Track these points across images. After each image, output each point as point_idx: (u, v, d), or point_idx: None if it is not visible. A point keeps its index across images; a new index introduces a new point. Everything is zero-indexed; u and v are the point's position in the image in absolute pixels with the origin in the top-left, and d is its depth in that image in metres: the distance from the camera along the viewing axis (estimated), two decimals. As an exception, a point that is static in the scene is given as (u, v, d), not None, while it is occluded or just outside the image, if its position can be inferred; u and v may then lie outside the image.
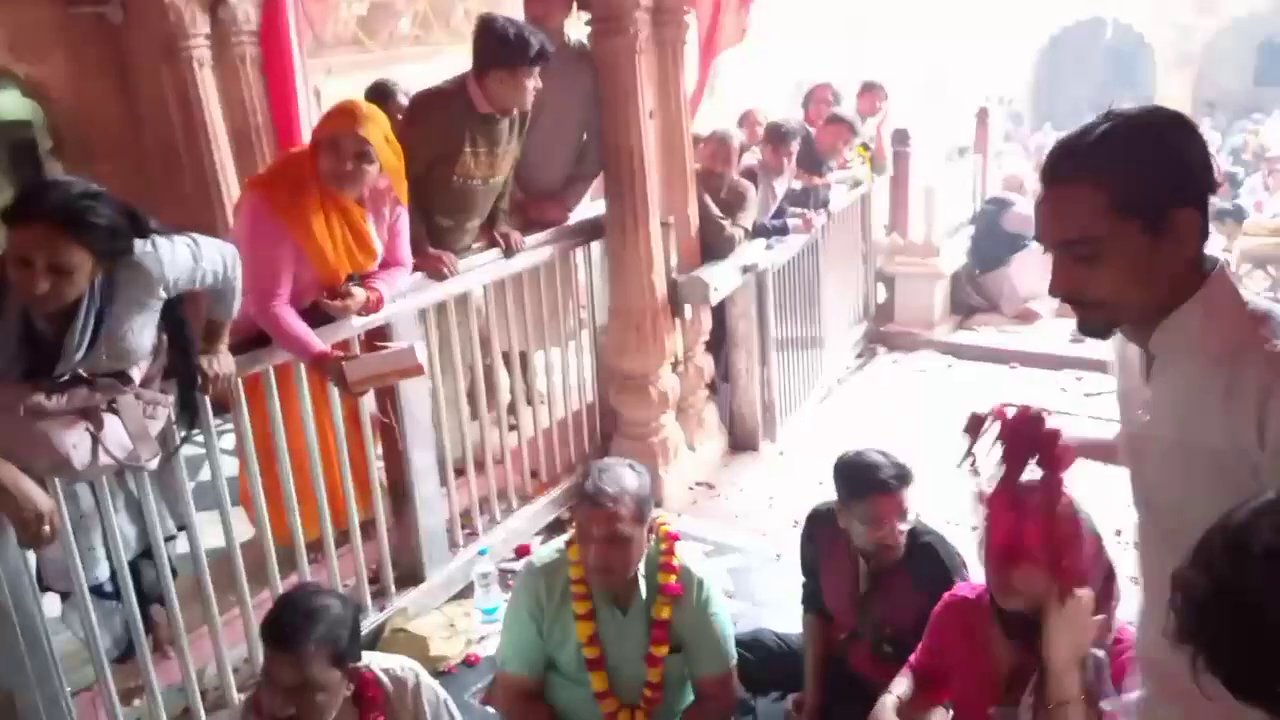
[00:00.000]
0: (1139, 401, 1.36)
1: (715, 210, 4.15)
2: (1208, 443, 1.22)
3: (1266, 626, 0.82)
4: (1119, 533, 3.74)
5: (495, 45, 3.07)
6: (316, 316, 2.76)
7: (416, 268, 3.12)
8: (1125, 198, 1.18)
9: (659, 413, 3.99)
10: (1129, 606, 3.21)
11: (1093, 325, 1.31)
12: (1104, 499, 3.99)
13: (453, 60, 3.31)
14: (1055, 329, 6.24)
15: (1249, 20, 17.52)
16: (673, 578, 2.32)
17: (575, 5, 3.53)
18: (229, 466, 2.86)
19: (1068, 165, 1.22)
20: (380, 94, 4.00)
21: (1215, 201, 8.88)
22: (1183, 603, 0.88)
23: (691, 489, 4.16)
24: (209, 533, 2.68)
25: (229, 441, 3.34)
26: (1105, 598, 1.95)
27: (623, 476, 2.23)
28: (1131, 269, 1.21)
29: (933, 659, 2.24)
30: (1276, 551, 0.83)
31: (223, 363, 2.47)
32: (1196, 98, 18.12)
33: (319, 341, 2.69)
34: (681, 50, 3.75)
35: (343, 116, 2.72)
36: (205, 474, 2.80)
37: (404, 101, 3.98)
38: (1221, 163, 11.49)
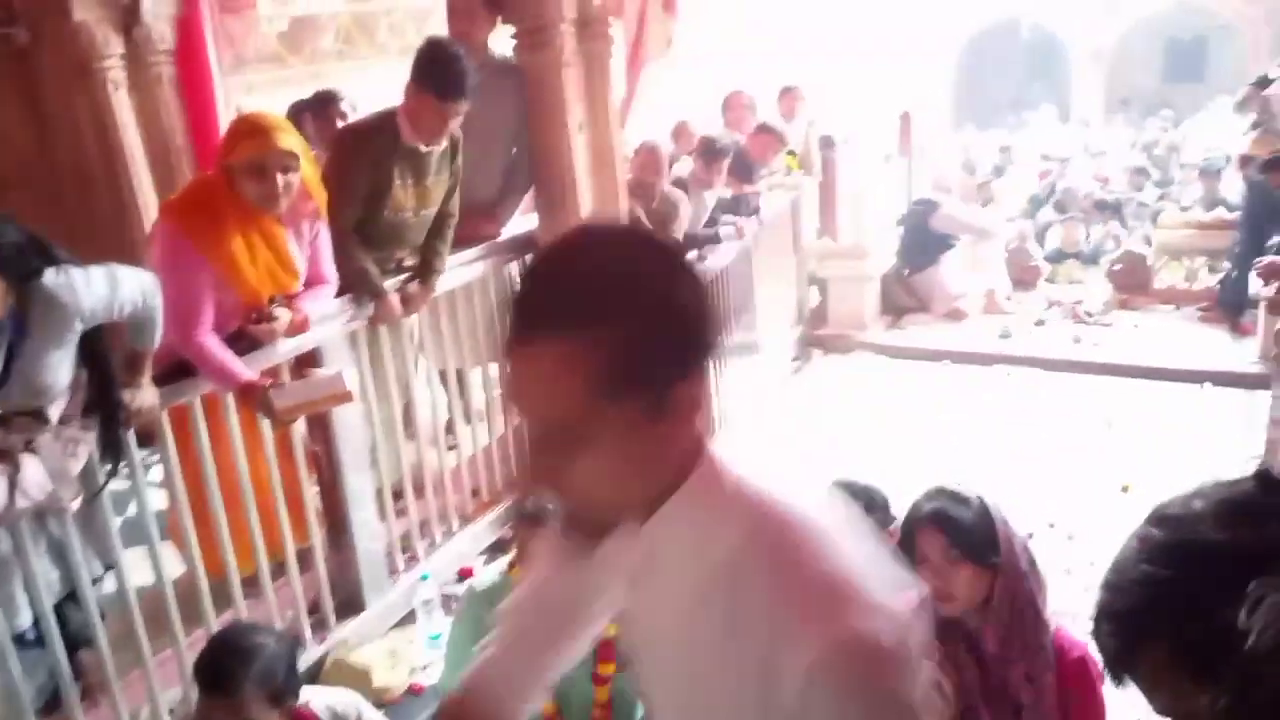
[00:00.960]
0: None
1: (646, 222, 4.16)
2: (706, 668, 0.95)
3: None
4: (1052, 525, 3.84)
5: (430, 69, 3.03)
6: (243, 343, 2.69)
7: (375, 319, 3.10)
8: (614, 375, 0.84)
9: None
10: (1063, 599, 3.29)
11: (590, 526, 0.95)
12: (1035, 493, 4.08)
13: (378, 74, 3.26)
14: (985, 326, 6.38)
15: (1155, 19, 18.16)
16: (618, 595, 2.30)
17: (500, 20, 3.50)
18: (157, 500, 2.77)
19: (541, 315, 0.86)
20: (323, 101, 3.95)
21: (1118, 196, 9.17)
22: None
23: (634, 501, 4.14)
24: (138, 570, 2.59)
25: (157, 474, 3.23)
26: (1031, 594, 1.99)
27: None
28: (622, 458, 0.89)
29: None
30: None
31: (146, 395, 2.40)
32: (1110, 95, 18.73)
33: (245, 370, 2.63)
34: (608, 62, 3.75)
35: (259, 136, 2.61)
36: (133, 509, 2.71)
37: (346, 110, 3.94)
38: (1134, 159, 11.88)
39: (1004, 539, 1.96)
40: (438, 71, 3.01)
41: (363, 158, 3.08)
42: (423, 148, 3.13)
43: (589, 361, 0.83)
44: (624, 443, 0.87)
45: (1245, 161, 5.75)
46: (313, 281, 2.91)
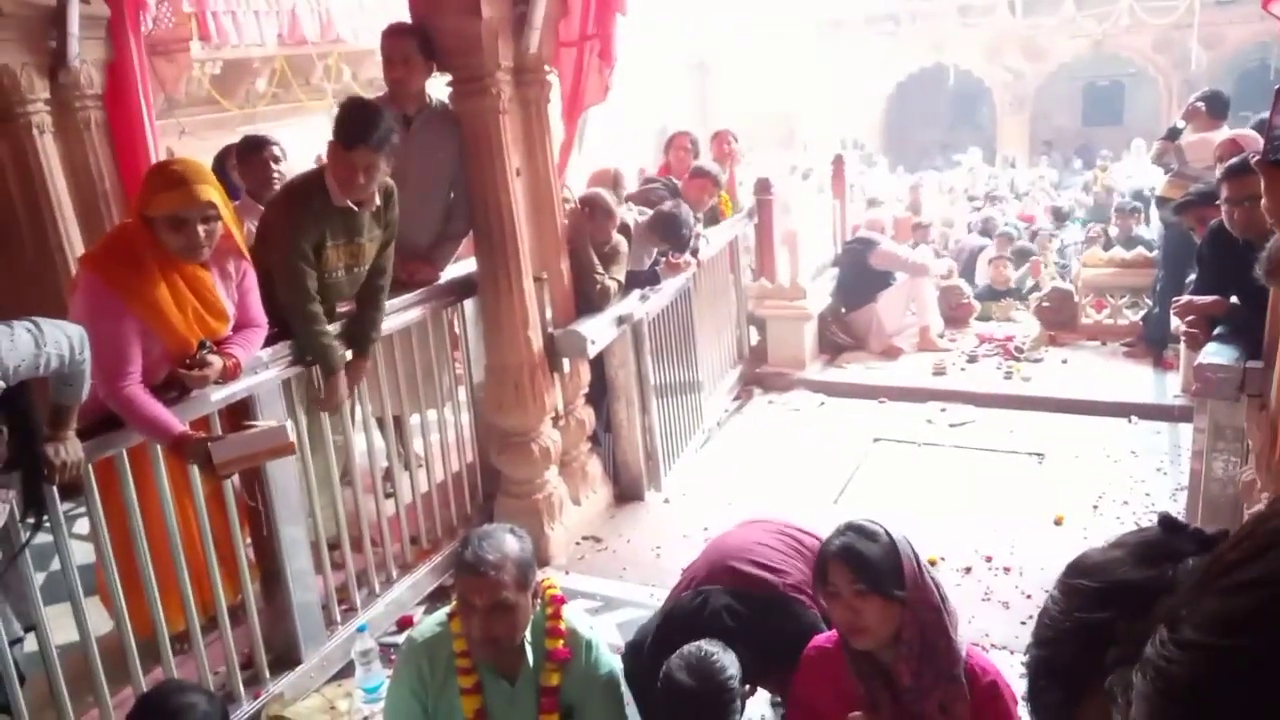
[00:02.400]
0: None
1: (597, 264, 4.16)
2: None
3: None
4: (988, 559, 3.89)
5: (338, 122, 3.05)
6: (172, 393, 2.63)
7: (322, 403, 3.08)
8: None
9: (542, 469, 3.95)
10: (1001, 632, 3.34)
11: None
12: (972, 526, 4.13)
13: (311, 119, 3.24)
14: (919, 363, 6.50)
15: (1074, 64, 18.89)
16: (560, 642, 2.29)
17: (436, 67, 3.51)
18: (82, 554, 2.68)
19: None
20: (253, 146, 3.92)
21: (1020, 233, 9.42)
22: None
23: (578, 544, 4.12)
24: (61, 628, 2.50)
25: (82, 526, 3.13)
26: (944, 625, 2.03)
27: (504, 543, 2.20)
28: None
29: (805, 715, 2.26)
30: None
31: (70, 449, 2.33)
32: (1034, 137, 19.38)
33: (178, 422, 2.57)
34: (545, 108, 3.77)
35: (178, 189, 2.55)
36: (56, 564, 2.62)
37: (278, 154, 3.91)
38: (1059, 199, 12.28)
39: (911, 572, 2.01)
40: (343, 123, 3.03)
41: (306, 216, 3.05)
42: (354, 207, 3.10)
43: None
44: None
45: (1162, 203, 5.97)
46: (242, 325, 2.85)
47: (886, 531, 2.07)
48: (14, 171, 4.34)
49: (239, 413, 2.84)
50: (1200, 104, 5.78)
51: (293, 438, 2.70)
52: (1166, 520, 0.94)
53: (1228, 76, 17.45)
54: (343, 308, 3.29)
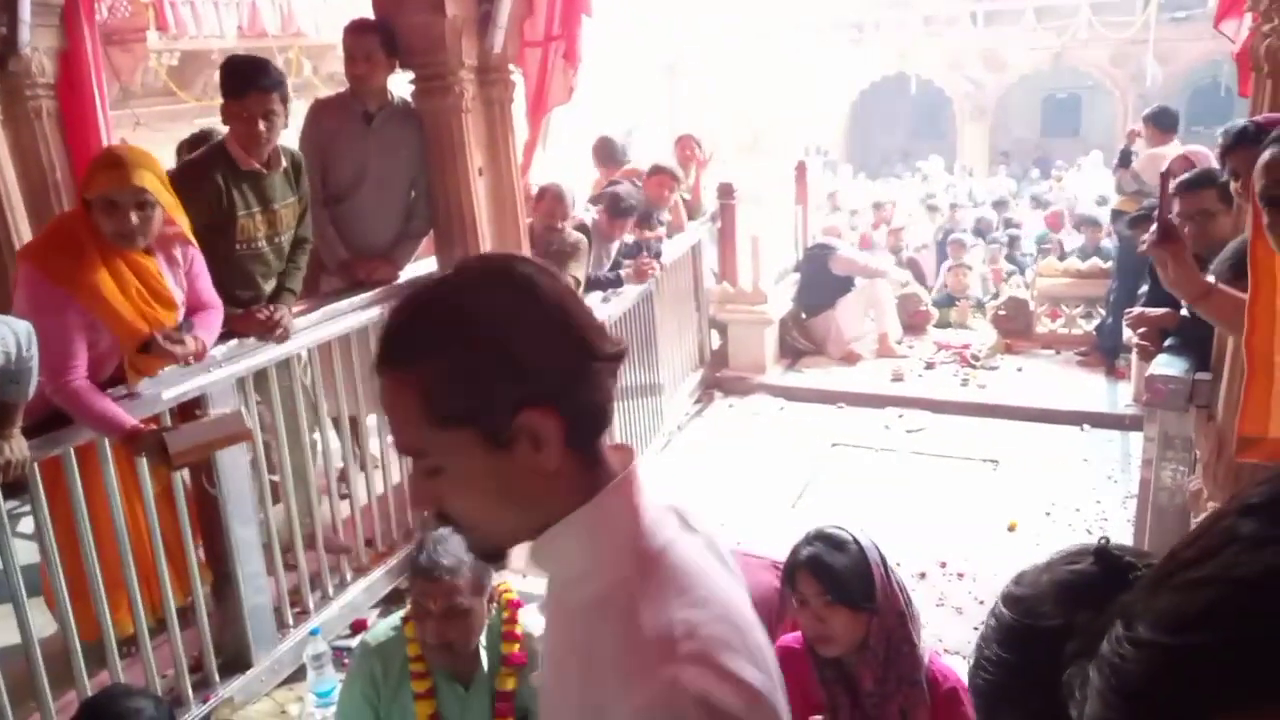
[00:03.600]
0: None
1: (547, 261, 4.15)
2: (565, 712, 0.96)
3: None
4: (943, 564, 3.94)
5: (224, 80, 3.01)
6: (119, 388, 2.58)
7: (238, 330, 2.97)
8: (445, 405, 0.87)
9: (498, 471, 3.92)
10: (954, 638, 3.37)
11: (482, 548, 1.00)
12: (927, 531, 4.17)
13: None
14: (878, 369, 6.56)
15: (1034, 76, 19.20)
16: (516, 646, 2.27)
17: (399, 64, 3.48)
18: (26, 553, 2.61)
19: (386, 351, 0.91)
20: (201, 139, 3.85)
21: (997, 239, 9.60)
22: None
23: (534, 547, 4.09)
24: (3, 630, 2.43)
25: (26, 525, 3.05)
26: (908, 632, 2.04)
27: (459, 547, 2.18)
28: (482, 487, 0.91)
29: None
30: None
31: (15, 448, 2.27)
32: (993, 147, 19.67)
33: (128, 416, 2.51)
34: (509, 107, 3.75)
35: (111, 170, 2.52)
36: (-1, 563, 2.55)
37: None
38: (1013, 209, 12.46)
39: (880, 582, 2.02)
40: (231, 74, 3.00)
41: (200, 193, 2.96)
42: (262, 170, 3.06)
43: (419, 391, 0.87)
44: (472, 472, 0.90)
45: (1116, 216, 6.09)
46: (196, 308, 2.81)
47: (855, 539, 2.06)
48: (-39, 159, 4.23)
49: (190, 412, 2.79)
50: (1149, 120, 5.90)
51: (250, 424, 2.65)
52: (1106, 556, 0.89)
53: (1182, 92, 17.85)
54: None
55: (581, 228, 4.60)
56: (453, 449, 0.89)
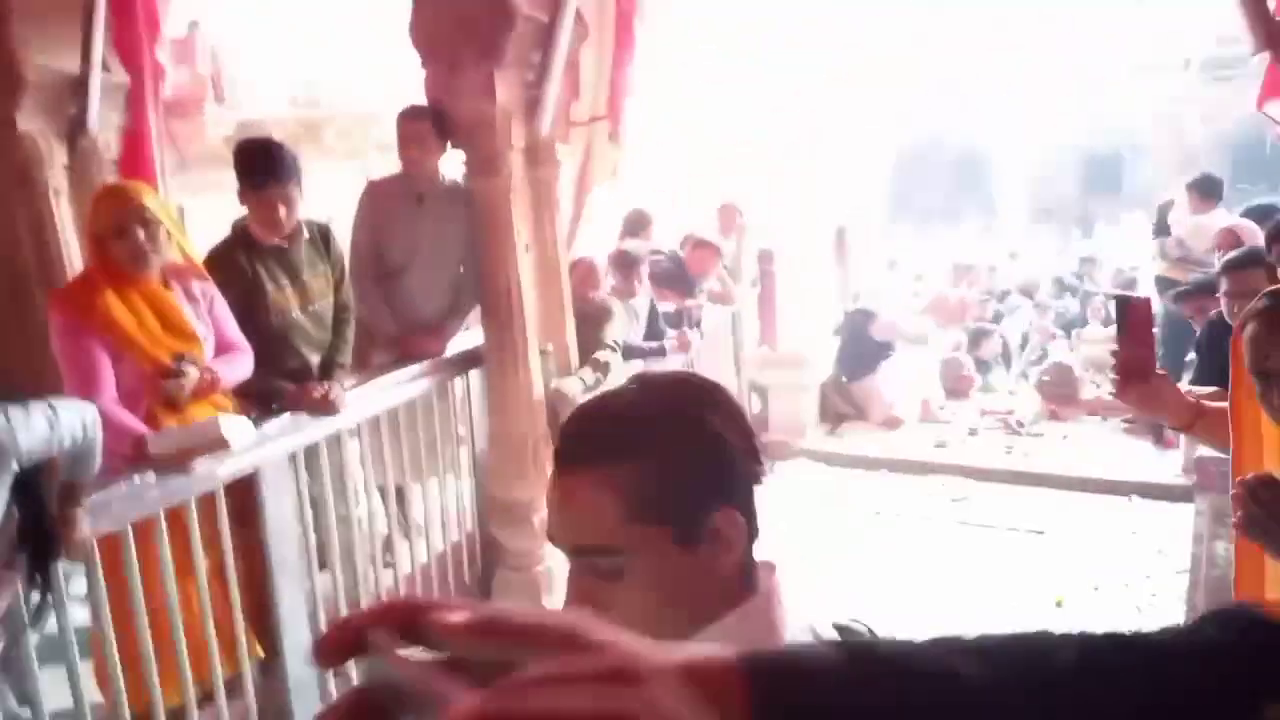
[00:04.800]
0: None
1: (580, 329, 4.20)
2: None
3: None
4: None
5: (238, 169, 3.11)
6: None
7: (292, 407, 3.04)
8: (648, 502, 0.89)
9: (542, 542, 3.94)
10: None
11: None
12: (970, 605, 4.08)
13: (322, 179, 3.30)
14: (920, 435, 6.52)
15: (1074, 136, 19.17)
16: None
17: (450, 146, 3.58)
18: (79, 615, 2.66)
19: (584, 448, 0.92)
20: None
21: (1046, 303, 9.52)
22: None
23: (575, 619, 4.09)
24: (56, 693, 2.48)
25: (78, 586, 3.11)
26: None
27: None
28: (659, 587, 0.90)
29: None
30: None
31: (80, 528, 2.33)
32: (1034, 206, 19.60)
33: (141, 425, 2.61)
34: (555, 186, 3.85)
35: (110, 198, 2.72)
36: (52, 624, 2.60)
37: None
38: (1061, 269, 12.38)
39: None
40: (245, 166, 3.10)
41: (227, 273, 3.09)
42: (284, 245, 3.16)
43: (621, 488, 0.88)
44: (660, 571, 0.90)
45: (1162, 284, 6.04)
46: (224, 349, 2.92)
47: (870, 632, 2.04)
48: (29, 234, 4.39)
49: (244, 489, 2.85)
50: (1193, 188, 5.88)
51: (228, 435, 2.64)
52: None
53: (1225, 151, 17.71)
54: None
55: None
56: (644, 547, 0.89)
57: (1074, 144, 19.50)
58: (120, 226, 2.65)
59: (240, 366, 2.93)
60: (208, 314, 2.88)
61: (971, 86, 18.11)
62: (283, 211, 3.09)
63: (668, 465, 0.90)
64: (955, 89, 18.00)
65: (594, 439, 0.92)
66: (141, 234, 2.65)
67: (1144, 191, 17.41)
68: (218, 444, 2.65)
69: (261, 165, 3.07)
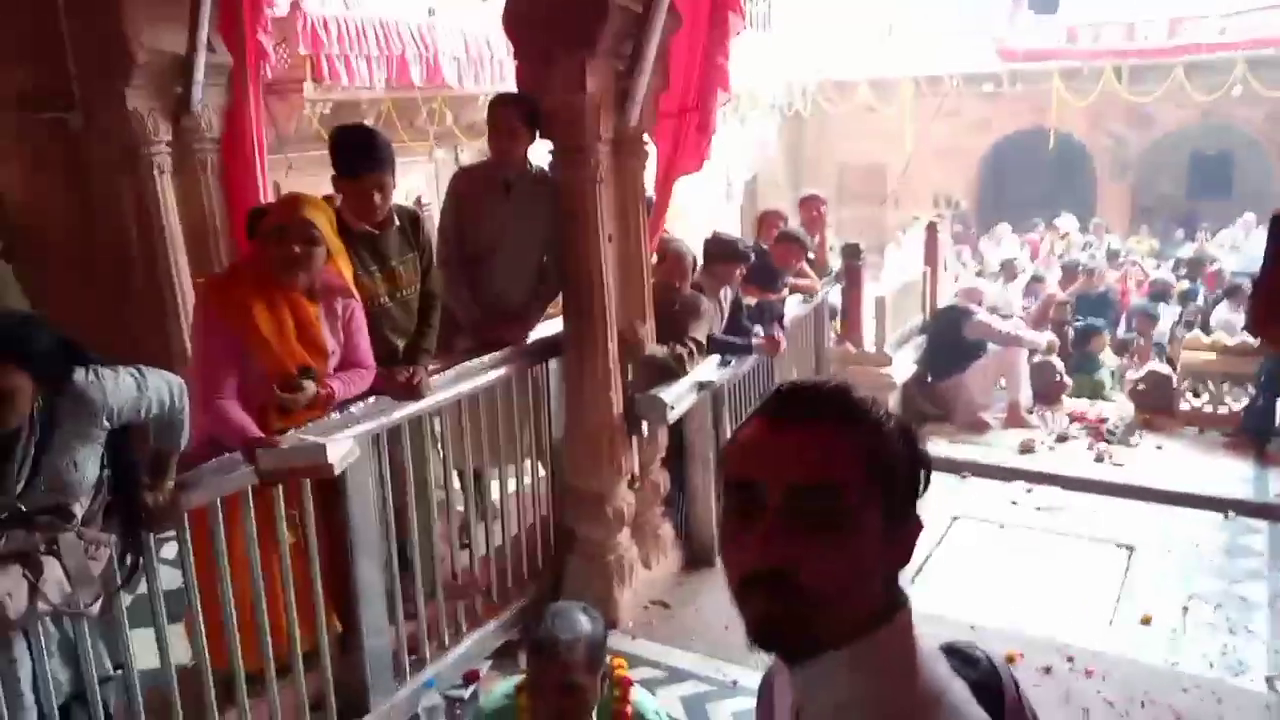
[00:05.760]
0: None
1: (667, 322, 4.16)
2: None
3: None
4: (1070, 660, 3.73)
5: (334, 156, 3.12)
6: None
7: (381, 389, 3.09)
8: (880, 463, 0.93)
9: (615, 531, 3.95)
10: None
11: (788, 629, 0.93)
12: (1052, 619, 3.91)
13: (414, 160, 3.32)
14: (1005, 440, 6.35)
15: (1181, 133, 18.38)
16: (626, 725, 2.28)
17: (538, 135, 3.59)
18: (168, 579, 2.76)
19: (819, 407, 0.96)
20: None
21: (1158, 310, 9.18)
22: None
23: (646, 608, 4.10)
24: (143, 653, 2.57)
25: (169, 550, 3.22)
26: None
27: (577, 622, 2.21)
28: (861, 551, 0.92)
29: None
30: None
31: (169, 497, 2.41)
32: (1135, 205, 18.87)
33: (256, 429, 2.65)
34: (641, 177, 3.83)
35: (286, 206, 2.82)
36: (143, 587, 2.70)
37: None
38: (1161, 273, 11.89)
39: (1011, 706, 1.92)
40: (342, 155, 3.12)
41: None
42: (374, 231, 3.19)
43: (864, 445, 0.93)
44: (869, 536, 0.92)
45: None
46: (348, 365, 2.97)
47: (988, 658, 1.98)
48: (133, 208, 4.56)
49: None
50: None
51: (334, 459, 2.65)
52: None
53: (1347, 151, 16.78)
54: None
55: (695, 287, 4.61)
56: (868, 504, 0.92)
57: (1180, 142, 18.70)
58: (282, 234, 2.74)
59: (358, 384, 2.99)
60: (342, 330, 2.94)
61: (1073, 80, 17.48)
62: (378, 199, 3.13)
63: (899, 446, 0.95)
64: (1053, 81, 17.41)
65: (838, 400, 0.96)
66: (299, 248, 2.72)
67: (1254, 195, 16.63)
68: (323, 470, 2.68)
69: (358, 153, 3.11)
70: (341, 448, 2.73)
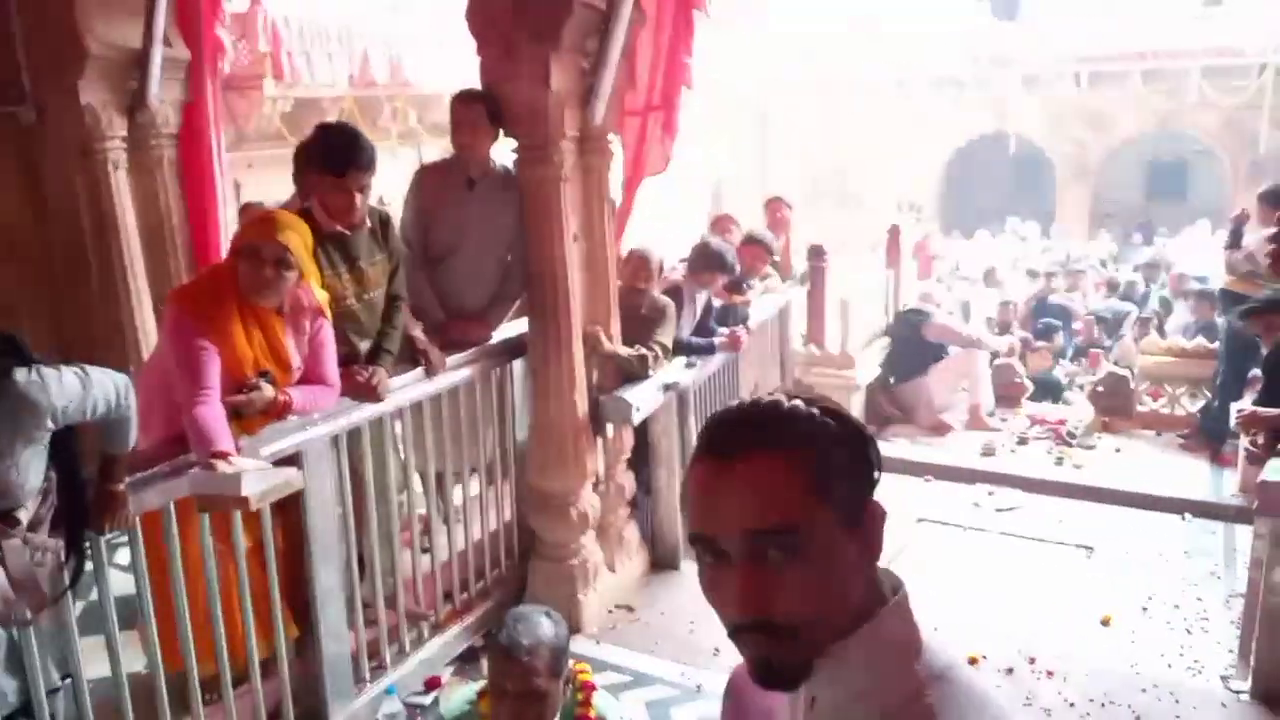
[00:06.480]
0: None
1: (633, 325, 4.14)
2: None
3: None
4: (1031, 660, 3.75)
5: (323, 152, 3.06)
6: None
7: (344, 392, 3.04)
8: (822, 479, 0.94)
9: (579, 533, 3.92)
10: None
11: (783, 667, 0.95)
12: (1014, 621, 3.92)
13: (380, 159, 3.24)
14: (968, 442, 6.39)
15: (1139, 140, 18.71)
16: (589, 730, 2.25)
17: (501, 133, 3.55)
18: (120, 584, 2.69)
19: (749, 437, 0.95)
20: None
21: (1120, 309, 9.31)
22: None
23: (611, 612, 4.07)
24: (94, 661, 2.50)
25: (123, 556, 3.14)
26: None
27: (539, 626, 2.18)
28: (830, 568, 0.94)
29: None
30: None
31: (119, 500, 2.35)
32: (1094, 210, 19.18)
33: (221, 443, 2.54)
34: (606, 176, 3.80)
35: (261, 224, 2.77)
36: (94, 594, 2.62)
37: None
38: (1118, 274, 12.08)
39: None
40: (329, 152, 3.05)
41: None
42: (345, 231, 3.13)
43: (800, 469, 0.93)
44: (830, 549, 0.93)
45: (1228, 297, 5.85)
46: (311, 381, 2.91)
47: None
48: (88, 205, 4.45)
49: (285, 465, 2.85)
50: (1264, 199, 5.67)
51: (249, 493, 2.46)
52: None
53: (1297, 160, 17.16)
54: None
55: (672, 289, 4.61)
56: (819, 523, 0.93)
57: (1138, 148, 19.03)
58: (255, 254, 2.69)
59: (320, 399, 2.93)
60: (308, 345, 2.89)
61: (1036, 85, 17.73)
62: (359, 199, 3.08)
63: (837, 450, 0.96)
64: (1018, 87, 17.64)
65: (769, 425, 0.96)
66: (271, 272, 2.69)
67: (1209, 200, 16.98)
68: (238, 503, 2.51)
69: (346, 153, 3.03)
70: (263, 481, 2.54)
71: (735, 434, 0.96)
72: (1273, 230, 4.46)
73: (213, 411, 2.58)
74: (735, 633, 0.95)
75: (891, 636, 0.97)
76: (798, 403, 0.98)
